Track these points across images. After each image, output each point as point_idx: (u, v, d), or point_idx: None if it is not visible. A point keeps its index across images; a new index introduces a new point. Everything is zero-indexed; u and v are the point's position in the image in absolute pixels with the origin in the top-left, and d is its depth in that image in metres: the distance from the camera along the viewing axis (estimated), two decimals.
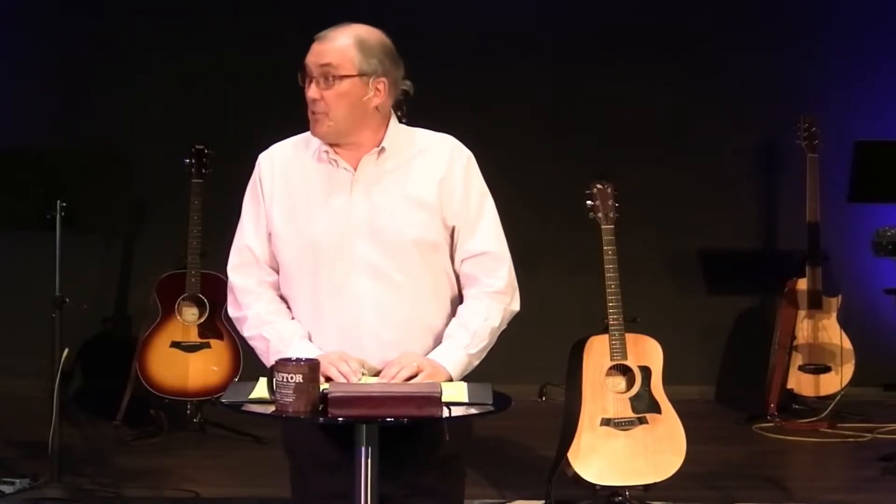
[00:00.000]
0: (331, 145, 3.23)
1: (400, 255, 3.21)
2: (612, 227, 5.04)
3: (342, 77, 3.16)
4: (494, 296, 3.27)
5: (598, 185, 5.09)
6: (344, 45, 3.17)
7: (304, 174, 3.27)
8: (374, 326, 3.20)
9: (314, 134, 3.23)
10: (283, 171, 3.28)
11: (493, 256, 3.28)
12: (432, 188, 3.23)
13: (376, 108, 3.21)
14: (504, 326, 3.30)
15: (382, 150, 3.22)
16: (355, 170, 3.23)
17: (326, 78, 3.16)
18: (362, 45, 3.17)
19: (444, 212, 3.24)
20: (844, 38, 7.61)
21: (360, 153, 3.23)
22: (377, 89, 3.19)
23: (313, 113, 3.20)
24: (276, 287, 3.31)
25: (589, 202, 5.05)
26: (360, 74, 3.17)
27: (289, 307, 3.30)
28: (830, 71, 7.60)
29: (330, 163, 3.24)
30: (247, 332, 3.30)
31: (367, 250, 3.20)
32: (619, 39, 7.62)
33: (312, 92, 3.18)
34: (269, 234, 3.29)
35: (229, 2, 7.58)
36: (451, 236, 3.27)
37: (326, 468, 3.19)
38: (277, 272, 3.31)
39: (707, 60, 7.64)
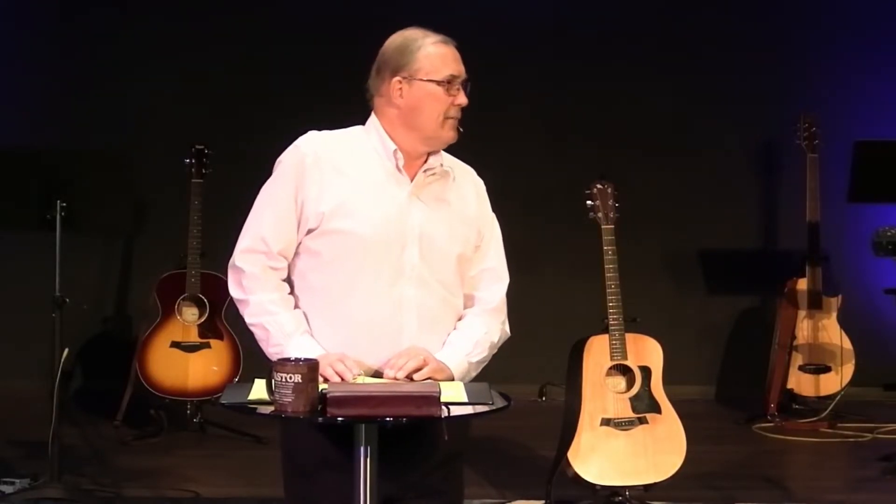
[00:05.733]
0: (423, 152, 3.27)
1: (444, 267, 3.25)
2: (612, 227, 5.04)
3: None
4: (492, 312, 3.34)
5: (598, 185, 5.09)
6: None
7: (361, 170, 3.24)
8: (416, 333, 3.21)
9: (447, 139, 3.26)
10: (335, 164, 3.23)
11: (495, 272, 3.36)
12: (472, 206, 3.33)
13: None
14: (497, 349, 3.34)
15: (441, 165, 3.28)
16: (412, 179, 3.25)
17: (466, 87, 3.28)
18: None
19: (476, 228, 3.32)
20: (844, 38, 7.62)
21: (417, 165, 3.26)
22: None
23: (454, 119, 3.27)
24: (283, 273, 3.29)
25: (589, 202, 5.05)
26: None
27: (293, 293, 3.28)
28: (830, 71, 7.60)
29: (395, 161, 3.24)
30: (248, 318, 3.28)
31: (415, 258, 3.22)
32: (618, 39, 7.63)
33: (465, 97, 3.28)
34: (299, 226, 3.23)
35: (230, 2, 7.58)
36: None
37: (329, 469, 3.18)
38: (288, 260, 3.28)
39: (707, 60, 7.65)
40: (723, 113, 7.63)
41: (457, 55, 3.28)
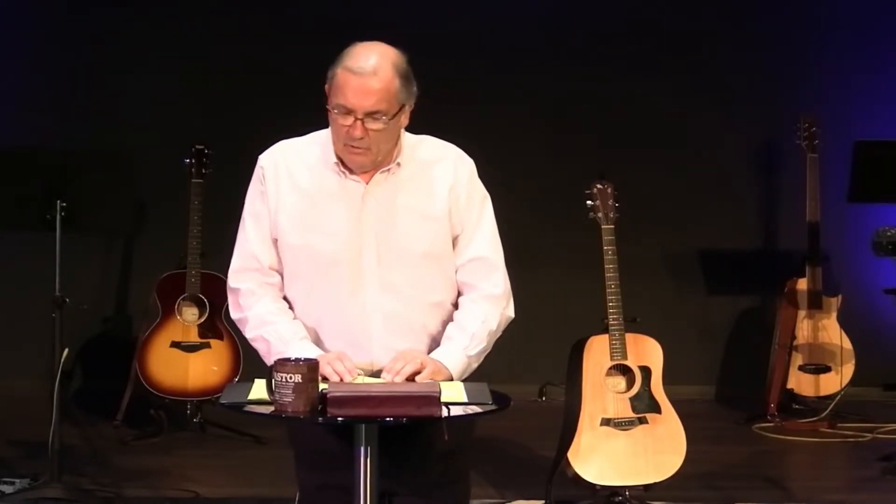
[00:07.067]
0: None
1: (409, 267, 3.23)
2: (612, 227, 5.04)
3: (393, 116, 3.15)
4: (491, 299, 3.30)
5: (598, 185, 5.09)
6: (389, 80, 3.13)
7: (314, 181, 3.26)
8: (384, 337, 3.22)
9: (354, 164, 3.21)
10: (290, 176, 3.26)
11: (487, 262, 3.31)
12: (441, 200, 3.26)
13: (403, 128, 3.25)
14: (500, 333, 3.32)
15: (398, 165, 3.24)
16: (367, 182, 3.23)
17: (374, 118, 3.13)
18: (402, 75, 3.16)
19: (452, 221, 3.28)
20: (844, 38, 7.61)
21: (375, 168, 3.24)
22: (406, 112, 3.22)
23: (354, 147, 3.16)
24: (279, 288, 3.31)
25: (589, 202, 5.05)
26: (401, 105, 3.18)
27: (291, 307, 3.30)
28: (830, 71, 7.60)
29: (341, 173, 3.23)
30: (248, 333, 3.30)
31: (375, 262, 3.22)
32: (618, 39, 7.62)
33: (358, 131, 3.13)
34: (274, 238, 3.28)
35: (230, 2, 7.58)
36: (454, 244, 3.30)
37: (330, 460, 3.19)
38: (282, 274, 3.31)
39: (707, 60, 7.64)
40: (723, 113, 7.63)
41: (361, 86, 3.11)
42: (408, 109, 3.21)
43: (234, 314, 3.34)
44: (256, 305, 3.27)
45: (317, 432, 3.23)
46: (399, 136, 3.25)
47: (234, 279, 3.31)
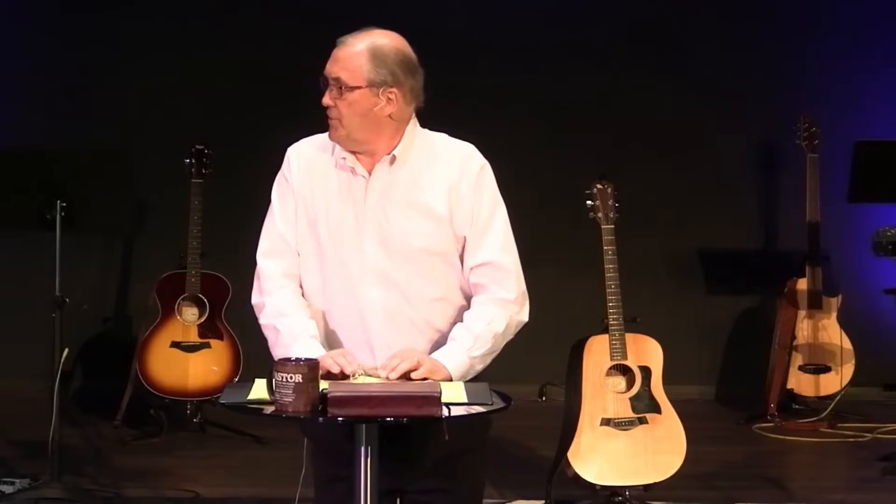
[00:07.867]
0: (351, 151, 3.25)
1: (408, 263, 3.23)
2: (612, 227, 5.05)
3: (351, 88, 3.18)
4: (502, 303, 3.29)
5: (598, 185, 5.09)
6: (355, 54, 3.19)
7: (325, 177, 3.29)
8: (385, 333, 3.23)
9: (330, 138, 3.27)
10: (307, 171, 3.31)
11: (498, 267, 3.29)
12: (442, 198, 3.25)
13: (390, 116, 3.23)
14: (510, 336, 3.31)
15: (394, 158, 3.24)
16: (369, 176, 3.25)
17: (339, 87, 3.19)
18: (375, 55, 3.19)
19: (454, 222, 3.26)
20: (845, 38, 7.61)
21: (375, 160, 3.26)
22: (389, 99, 3.21)
23: (329, 118, 3.23)
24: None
25: (589, 202, 5.06)
26: (370, 85, 3.19)
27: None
28: (830, 71, 7.60)
29: (348, 170, 3.25)
30: (262, 319, 3.32)
31: (376, 258, 3.22)
32: (618, 39, 7.63)
33: (326, 99, 3.22)
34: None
35: (230, 2, 7.58)
36: (463, 247, 3.29)
37: (340, 456, 3.19)
38: None
39: (707, 60, 7.64)
40: (723, 113, 7.63)
41: (332, 54, 3.24)
42: (386, 95, 3.20)
43: (253, 298, 3.36)
44: (276, 293, 3.29)
45: (325, 429, 3.23)
46: (381, 125, 3.23)
47: (261, 261, 3.34)
